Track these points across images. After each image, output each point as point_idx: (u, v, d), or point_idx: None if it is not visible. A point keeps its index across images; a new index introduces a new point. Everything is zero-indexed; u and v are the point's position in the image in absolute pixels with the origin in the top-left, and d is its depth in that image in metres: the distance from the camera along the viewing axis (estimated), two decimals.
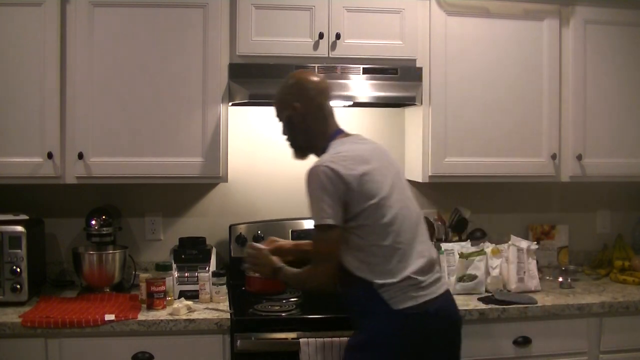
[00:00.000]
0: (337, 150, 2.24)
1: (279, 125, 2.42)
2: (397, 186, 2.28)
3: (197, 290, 2.75)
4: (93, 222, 2.88)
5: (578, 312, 2.75)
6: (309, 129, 2.34)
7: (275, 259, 2.42)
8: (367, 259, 2.18)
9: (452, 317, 2.30)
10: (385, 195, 2.21)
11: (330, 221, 2.13)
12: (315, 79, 2.38)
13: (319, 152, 2.31)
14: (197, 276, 2.76)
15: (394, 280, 2.15)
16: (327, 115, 2.36)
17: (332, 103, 3.04)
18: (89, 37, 2.71)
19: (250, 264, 2.50)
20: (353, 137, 2.36)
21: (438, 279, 2.28)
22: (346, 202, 2.16)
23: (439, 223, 3.18)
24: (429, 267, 2.25)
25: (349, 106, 3.10)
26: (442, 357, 2.25)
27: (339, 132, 2.35)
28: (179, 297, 2.71)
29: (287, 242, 2.71)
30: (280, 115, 2.40)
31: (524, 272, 2.95)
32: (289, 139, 2.41)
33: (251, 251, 2.49)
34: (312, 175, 2.17)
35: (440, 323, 2.21)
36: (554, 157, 3.06)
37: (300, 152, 2.41)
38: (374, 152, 2.31)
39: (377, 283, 2.15)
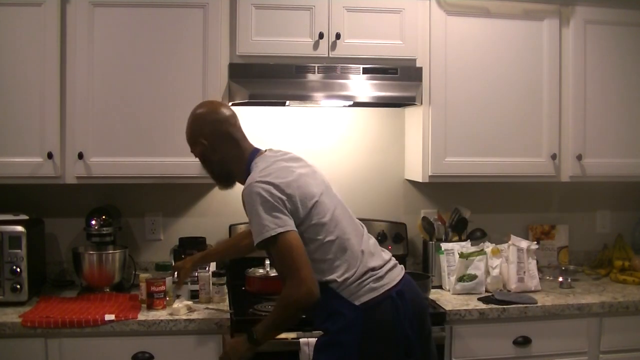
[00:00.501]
0: (260, 168, 2.22)
1: (197, 160, 2.40)
2: (326, 186, 2.30)
3: (197, 290, 2.75)
4: (93, 222, 2.88)
5: (578, 312, 2.75)
6: (223, 159, 2.33)
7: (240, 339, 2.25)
8: (322, 257, 2.16)
9: (417, 299, 2.28)
10: (322, 194, 2.22)
11: (281, 229, 2.10)
12: (219, 109, 2.36)
13: (242, 177, 2.29)
14: (197, 276, 2.76)
15: (354, 271, 2.15)
16: (238, 141, 2.33)
17: (331, 103, 3.06)
18: (89, 37, 2.71)
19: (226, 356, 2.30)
20: (269, 152, 2.34)
21: (394, 266, 2.28)
22: (291, 209, 2.14)
23: (439, 223, 3.18)
24: (379, 253, 2.27)
25: (349, 106, 3.10)
26: (415, 343, 2.20)
27: (255, 152, 2.33)
28: (178, 297, 2.71)
29: (213, 249, 2.83)
30: (194, 152, 2.37)
31: (524, 272, 2.95)
32: (208, 173, 2.41)
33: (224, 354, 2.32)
34: (248, 195, 2.14)
35: (405, 305, 2.18)
36: (554, 157, 3.06)
37: (224, 182, 2.40)
38: (293, 161, 2.31)
39: (337, 281, 2.13)
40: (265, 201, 2.11)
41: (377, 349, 2.13)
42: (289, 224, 2.12)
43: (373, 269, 2.19)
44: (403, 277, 2.27)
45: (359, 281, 2.15)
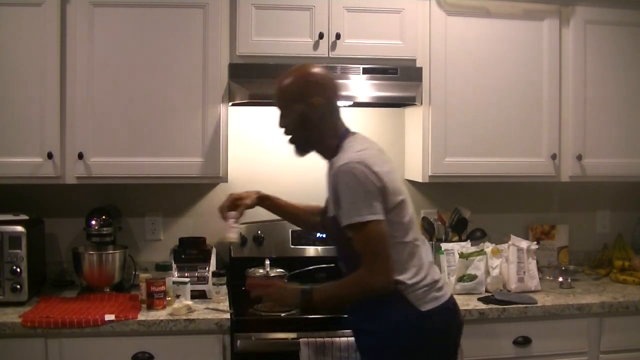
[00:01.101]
0: (356, 148, 2.15)
1: (281, 119, 2.25)
2: (405, 187, 2.27)
3: (199, 290, 2.75)
4: (93, 222, 2.88)
5: (578, 312, 2.75)
6: (322, 126, 2.20)
7: (295, 285, 2.23)
8: (395, 256, 2.11)
9: (460, 314, 2.33)
10: (406, 193, 2.20)
11: (374, 217, 2.04)
12: (329, 74, 2.26)
13: (327, 150, 2.21)
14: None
15: (422, 277, 2.14)
16: (339, 113, 2.25)
17: None
18: (89, 37, 2.71)
19: (267, 300, 2.22)
20: (359, 135, 2.27)
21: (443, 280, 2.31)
22: (382, 200, 2.10)
23: (439, 223, 3.18)
24: (436, 266, 2.30)
25: (349, 106, 3.10)
26: (454, 353, 2.25)
27: (348, 131, 2.25)
28: (178, 297, 2.71)
29: (284, 203, 2.52)
30: (288, 109, 2.21)
31: (524, 272, 2.95)
32: (295, 136, 2.24)
33: (260, 285, 2.24)
34: (347, 173, 2.06)
35: (456, 317, 2.24)
36: (554, 157, 3.06)
37: (305, 149, 2.26)
38: (382, 153, 2.27)
39: (406, 283, 2.10)
40: (362, 183, 2.05)
41: (430, 357, 2.14)
42: (381, 213, 2.07)
43: (437, 281, 2.20)
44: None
45: (426, 289, 2.14)
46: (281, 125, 2.25)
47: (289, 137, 2.26)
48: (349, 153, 2.13)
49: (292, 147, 2.27)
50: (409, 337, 2.11)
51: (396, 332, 2.12)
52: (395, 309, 2.11)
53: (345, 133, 2.24)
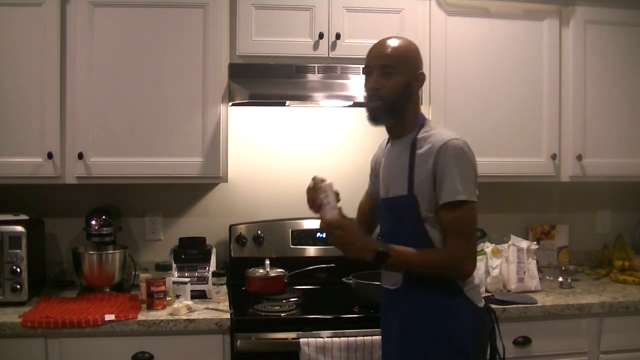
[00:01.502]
0: (448, 130, 2.09)
1: (382, 78, 2.09)
2: None
3: (199, 290, 2.75)
4: (93, 222, 2.88)
5: (578, 312, 2.75)
6: (415, 100, 2.15)
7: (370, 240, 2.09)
8: None
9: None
10: None
11: (475, 199, 2.01)
12: None
13: (406, 126, 2.12)
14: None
15: (473, 277, 2.11)
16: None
17: (331, 103, 3.06)
18: (89, 37, 2.71)
19: (338, 240, 2.03)
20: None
21: None
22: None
23: None
24: None
25: (349, 106, 3.10)
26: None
27: (424, 116, 2.18)
28: (178, 297, 2.71)
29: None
30: (396, 71, 2.08)
31: (524, 272, 2.95)
32: (387, 100, 2.08)
33: (338, 228, 2.04)
34: (459, 149, 2.01)
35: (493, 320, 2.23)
36: (554, 157, 3.06)
37: (386, 117, 2.12)
38: None
39: (468, 279, 2.08)
40: (472, 163, 2.03)
41: (484, 355, 2.16)
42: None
43: (479, 284, 2.20)
44: None
45: (476, 289, 2.13)
46: (375, 85, 2.10)
47: (377, 100, 2.10)
48: (448, 132, 2.08)
49: (369, 113, 2.13)
50: (475, 333, 2.08)
51: (464, 329, 2.06)
52: (459, 305, 2.06)
53: (423, 116, 2.18)
